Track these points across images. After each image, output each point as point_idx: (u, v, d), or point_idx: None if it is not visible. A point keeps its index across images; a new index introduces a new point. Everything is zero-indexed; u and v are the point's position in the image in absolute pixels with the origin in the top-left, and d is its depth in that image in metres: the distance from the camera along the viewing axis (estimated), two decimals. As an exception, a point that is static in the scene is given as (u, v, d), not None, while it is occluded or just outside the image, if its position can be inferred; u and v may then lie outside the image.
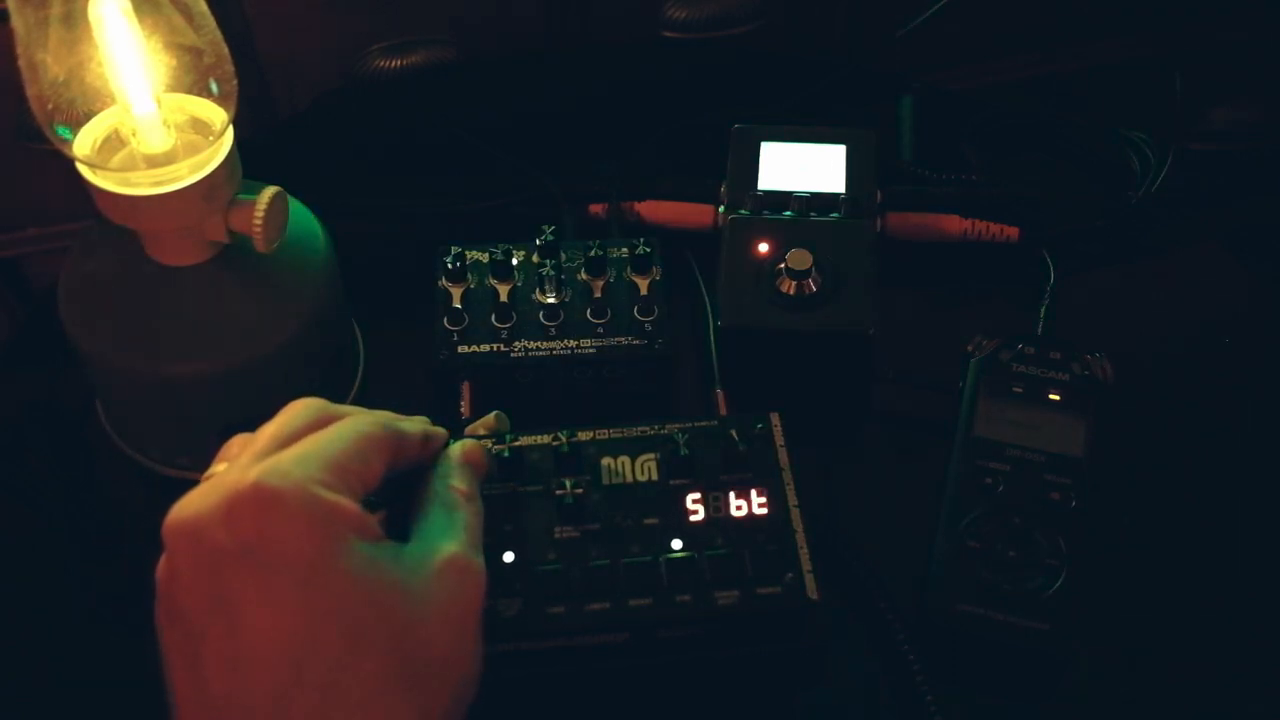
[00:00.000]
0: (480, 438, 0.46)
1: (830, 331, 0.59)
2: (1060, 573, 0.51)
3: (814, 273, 0.59)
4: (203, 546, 0.35)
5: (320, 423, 0.39)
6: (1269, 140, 1.07)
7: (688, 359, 0.62)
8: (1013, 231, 0.66)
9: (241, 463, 0.37)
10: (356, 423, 0.39)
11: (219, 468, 0.39)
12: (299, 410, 0.40)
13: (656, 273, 0.60)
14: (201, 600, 0.35)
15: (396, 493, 0.42)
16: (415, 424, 0.42)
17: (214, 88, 0.50)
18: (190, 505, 0.35)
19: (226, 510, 0.35)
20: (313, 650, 0.34)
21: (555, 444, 0.46)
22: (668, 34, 0.94)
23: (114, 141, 0.50)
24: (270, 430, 0.39)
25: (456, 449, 0.44)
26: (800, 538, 0.45)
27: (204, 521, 0.35)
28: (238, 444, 0.40)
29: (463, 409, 0.56)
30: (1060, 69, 1.02)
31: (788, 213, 0.62)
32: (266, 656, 0.34)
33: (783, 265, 0.59)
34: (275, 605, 0.34)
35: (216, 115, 0.51)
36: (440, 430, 0.44)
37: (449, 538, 0.39)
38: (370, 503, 0.39)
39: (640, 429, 0.47)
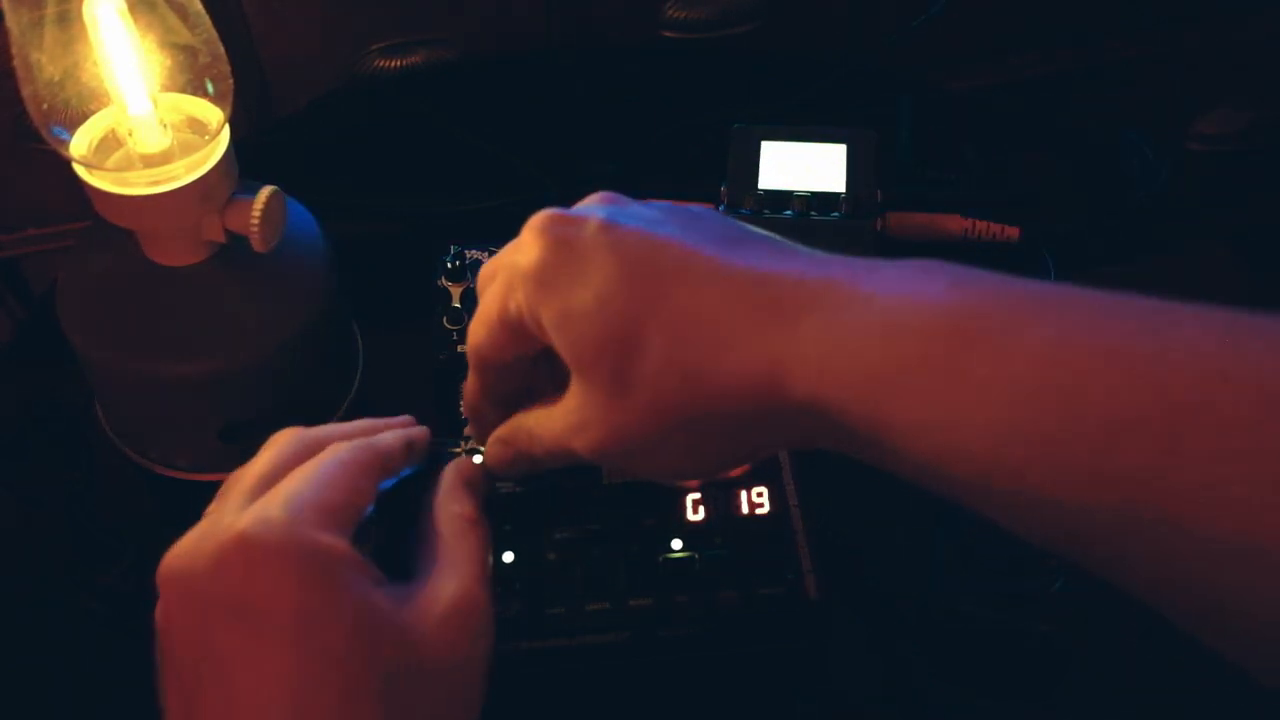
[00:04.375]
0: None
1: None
2: (1060, 573, 0.51)
3: (814, 272, 0.59)
4: (193, 598, 0.34)
5: (304, 454, 0.39)
6: (1269, 140, 1.07)
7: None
8: (1013, 231, 0.66)
9: (230, 506, 0.36)
10: (338, 453, 0.39)
11: (214, 506, 0.39)
12: (282, 443, 0.40)
13: (656, 272, 0.59)
14: (194, 650, 0.34)
15: (391, 504, 0.41)
16: (394, 434, 0.41)
17: (210, 87, 0.50)
18: (181, 555, 0.35)
19: (214, 563, 0.34)
20: (309, 702, 0.33)
21: (554, 444, 0.46)
22: (668, 34, 0.94)
23: (110, 141, 0.50)
24: (257, 469, 0.38)
25: (452, 471, 0.42)
26: (800, 538, 0.44)
27: (193, 573, 0.34)
28: (231, 481, 0.40)
29: (463, 409, 0.56)
30: (1060, 69, 1.02)
31: (788, 212, 0.62)
32: (262, 709, 0.33)
33: (782, 265, 0.59)
34: (267, 660, 0.33)
35: (212, 115, 0.51)
36: (421, 430, 0.43)
37: (453, 574, 0.38)
38: (368, 519, 0.38)
39: (640, 429, 0.47)
